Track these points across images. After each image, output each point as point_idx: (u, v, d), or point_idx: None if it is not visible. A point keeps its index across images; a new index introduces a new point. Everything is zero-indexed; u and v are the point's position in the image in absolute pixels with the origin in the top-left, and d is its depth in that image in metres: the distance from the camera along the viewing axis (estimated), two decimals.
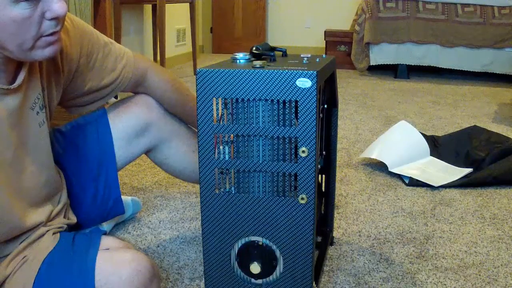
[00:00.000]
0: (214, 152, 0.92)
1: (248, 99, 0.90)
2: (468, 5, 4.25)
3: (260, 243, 0.95)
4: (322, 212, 1.38)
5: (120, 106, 1.22)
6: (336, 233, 1.47)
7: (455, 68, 4.31)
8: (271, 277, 0.96)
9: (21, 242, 0.95)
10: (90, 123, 1.20)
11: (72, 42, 1.02)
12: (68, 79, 1.04)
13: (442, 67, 4.32)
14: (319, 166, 1.17)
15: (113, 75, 1.12)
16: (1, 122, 0.86)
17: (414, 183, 1.87)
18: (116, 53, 1.12)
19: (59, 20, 0.82)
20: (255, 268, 0.95)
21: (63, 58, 1.00)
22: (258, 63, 0.91)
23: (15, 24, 0.77)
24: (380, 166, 2.06)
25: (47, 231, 0.98)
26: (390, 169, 1.97)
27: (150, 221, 1.54)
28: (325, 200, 1.37)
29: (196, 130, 1.32)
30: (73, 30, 1.02)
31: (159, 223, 1.53)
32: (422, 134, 2.17)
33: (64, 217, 1.07)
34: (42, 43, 0.82)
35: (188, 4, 4.12)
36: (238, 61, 1.00)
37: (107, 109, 1.22)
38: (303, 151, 0.88)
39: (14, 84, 0.87)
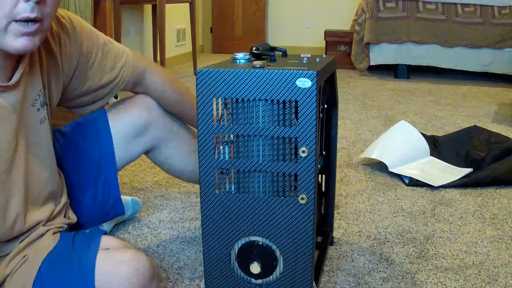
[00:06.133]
0: (214, 152, 0.93)
1: (248, 99, 0.90)
2: (468, 5, 4.25)
3: (260, 243, 0.95)
4: (322, 212, 1.38)
5: (120, 107, 1.22)
6: (336, 233, 1.47)
7: (455, 68, 4.31)
8: (271, 277, 0.96)
9: (21, 241, 0.95)
10: (89, 123, 1.20)
11: (72, 41, 1.02)
12: (68, 78, 1.05)
13: (442, 67, 4.32)
14: (319, 166, 1.17)
15: (112, 74, 1.12)
16: (0, 119, 0.86)
17: (414, 183, 1.87)
18: (115, 52, 1.12)
19: (36, 4, 0.79)
20: (255, 268, 0.95)
21: (62, 56, 1.01)
22: (258, 63, 0.91)
23: None
24: (380, 166, 2.06)
25: (47, 230, 0.98)
26: (390, 169, 1.97)
27: (150, 221, 1.54)
28: (325, 200, 1.37)
29: (196, 130, 1.32)
30: (72, 29, 1.03)
31: (159, 223, 1.53)
32: (422, 134, 2.17)
33: (64, 216, 1.07)
34: (14, 29, 0.79)
35: (188, 4, 4.12)
36: (238, 61, 1.00)
37: (107, 109, 1.22)
38: (303, 151, 0.88)
39: (12, 81, 0.87)
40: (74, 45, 1.03)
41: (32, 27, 0.81)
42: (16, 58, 0.88)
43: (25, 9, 0.79)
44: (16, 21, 0.79)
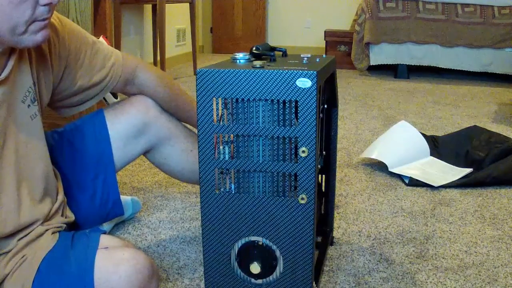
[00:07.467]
0: (214, 152, 0.92)
1: (248, 99, 0.90)
2: (468, 5, 4.25)
3: (260, 243, 0.95)
4: (322, 212, 1.38)
5: (118, 107, 1.22)
6: (336, 233, 1.47)
7: (455, 68, 4.31)
8: (271, 277, 0.96)
9: (19, 240, 0.95)
10: (87, 124, 1.20)
11: (61, 40, 1.03)
12: (58, 77, 1.05)
13: (442, 67, 4.32)
14: (319, 166, 1.17)
15: (102, 73, 1.12)
16: None
17: (414, 183, 1.87)
18: (104, 51, 1.13)
19: (51, 6, 0.84)
20: (255, 268, 0.95)
21: (52, 55, 1.01)
22: (258, 63, 0.91)
23: (11, 5, 0.80)
24: (380, 166, 2.06)
25: (46, 230, 0.98)
26: (390, 169, 1.97)
27: (150, 221, 1.54)
28: (325, 200, 1.37)
29: (193, 128, 1.32)
30: (61, 29, 1.03)
31: (159, 223, 1.53)
32: (422, 134, 2.17)
33: (62, 215, 1.06)
34: (35, 28, 0.84)
35: (188, 4, 4.12)
36: (238, 61, 1.00)
37: (105, 110, 1.22)
38: (303, 151, 0.88)
39: (1, 76, 0.87)
40: (63, 44, 1.04)
41: (48, 20, 0.86)
42: (7, 55, 0.89)
43: (43, 12, 0.84)
44: (36, 21, 0.84)
